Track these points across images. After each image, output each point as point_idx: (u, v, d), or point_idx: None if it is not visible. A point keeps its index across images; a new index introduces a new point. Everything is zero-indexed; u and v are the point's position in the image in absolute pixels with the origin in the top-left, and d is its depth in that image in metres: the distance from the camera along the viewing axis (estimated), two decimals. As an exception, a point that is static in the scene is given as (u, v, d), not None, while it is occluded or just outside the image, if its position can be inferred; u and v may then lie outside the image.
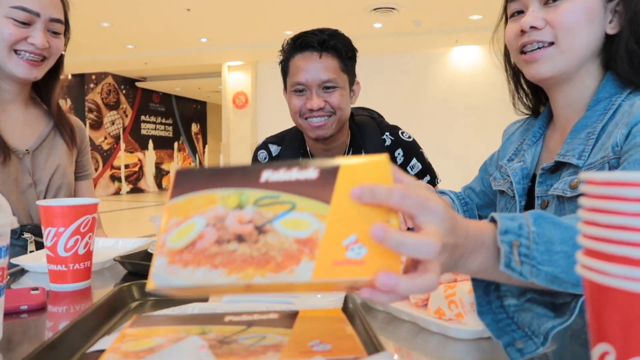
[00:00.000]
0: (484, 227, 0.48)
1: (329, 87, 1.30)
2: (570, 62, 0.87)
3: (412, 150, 1.42)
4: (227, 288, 0.40)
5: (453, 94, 8.24)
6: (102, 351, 0.51)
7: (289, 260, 0.39)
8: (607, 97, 0.87)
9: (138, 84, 12.15)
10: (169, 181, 13.66)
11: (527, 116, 1.11)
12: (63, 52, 1.28)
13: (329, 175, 0.43)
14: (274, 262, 0.39)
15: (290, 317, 0.51)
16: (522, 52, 0.91)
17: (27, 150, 1.23)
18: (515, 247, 0.47)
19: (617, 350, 0.30)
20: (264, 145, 1.52)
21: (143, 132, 12.70)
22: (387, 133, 1.44)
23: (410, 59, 8.35)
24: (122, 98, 11.93)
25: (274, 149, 1.50)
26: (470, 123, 7.91)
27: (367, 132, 1.44)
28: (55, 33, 1.19)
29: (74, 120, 1.39)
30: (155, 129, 13.18)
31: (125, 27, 7.48)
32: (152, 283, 0.40)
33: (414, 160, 1.42)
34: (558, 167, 0.90)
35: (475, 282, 0.51)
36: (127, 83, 11.94)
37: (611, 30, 0.86)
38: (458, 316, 0.58)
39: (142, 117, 12.65)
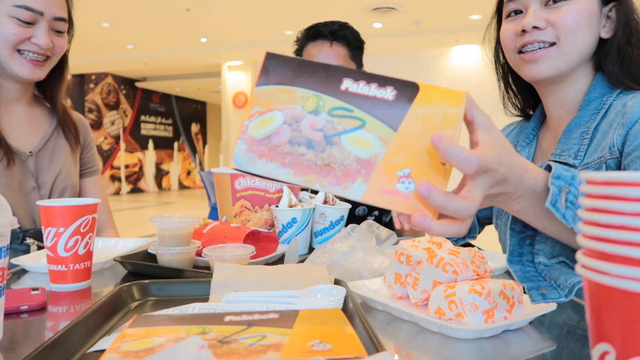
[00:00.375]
0: (540, 175, 0.51)
1: None
2: (568, 63, 0.88)
3: None
4: (290, 184, 0.45)
5: (453, 94, 8.23)
6: (102, 351, 0.51)
7: (346, 177, 0.44)
8: (598, 97, 0.89)
9: (138, 84, 12.15)
10: (169, 181, 13.50)
11: (520, 119, 1.12)
12: (67, 51, 1.26)
13: (405, 101, 0.45)
14: (334, 175, 0.44)
15: (290, 317, 0.51)
16: (520, 52, 0.91)
17: (30, 152, 1.21)
18: (564, 192, 0.50)
19: (617, 350, 0.30)
20: None
21: (143, 132, 12.70)
22: None
23: (410, 59, 8.35)
24: (122, 98, 11.93)
25: None
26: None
27: None
28: (59, 32, 1.18)
29: (76, 116, 1.37)
30: (155, 129, 13.17)
31: (125, 27, 7.49)
32: (233, 164, 0.47)
33: None
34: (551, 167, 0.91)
35: (513, 231, 0.55)
36: (127, 83, 11.95)
37: (605, 34, 0.88)
38: (458, 316, 0.58)
39: (142, 117, 12.65)
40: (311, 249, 1.09)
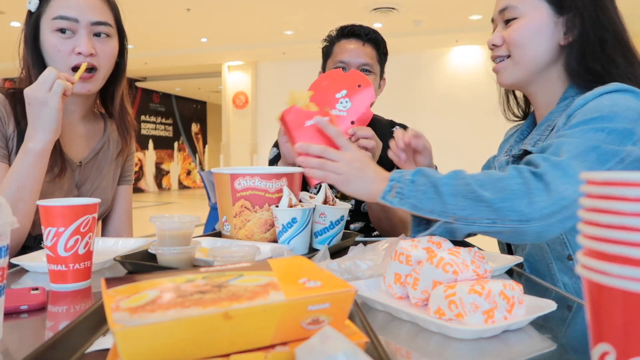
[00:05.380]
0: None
1: (365, 70, 1.49)
2: (525, 71, 1.00)
3: None
4: (205, 319, 0.39)
5: (453, 93, 8.24)
6: (102, 351, 0.51)
7: (258, 294, 0.42)
8: (570, 97, 0.97)
9: (138, 84, 12.15)
10: (169, 181, 13.48)
11: (522, 122, 1.21)
12: (125, 59, 1.27)
13: (261, 263, 0.50)
14: (246, 296, 0.41)
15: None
16: None
17: (80, 162, 1.23)
18: (395, 188, 0.81)
19: (617, 350, 0.30)
20: None
21: (143, 132, 12.70)
22: (397, 126, 1.62)
23: (410, 59, 8.35)
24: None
25: None
26: (470, 122, 7.91)
27: (380, 122, 1.64)
28: (102, 37, 1.16)
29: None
30: (155, 129, 13.18)
31: (126, 27, 7.47)
32: (119, 325, 0.36)
33: None
34: (523, 155, 1.00)
35: (414, 218, 0.85)
36: (127, 83, 11.94)
37: (563, 41, 0.97)
38: (458, 316, 0.58)
39: (142, 117, 12.65)
40: (311, 249, 1.09)
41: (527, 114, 1.17)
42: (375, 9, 6.65)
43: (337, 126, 1.31)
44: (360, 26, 1.53)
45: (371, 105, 1.33)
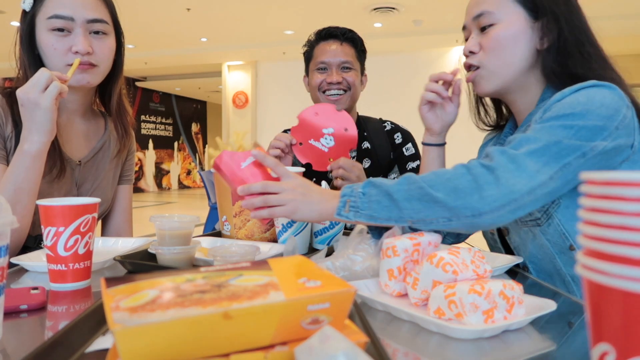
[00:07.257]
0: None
1: (346, 68, 1.57)
2: (504, 78, 0.98)
3: (409, 136, 1.69)
4: (205, 318, 0.39)
5: (453, 94, 8.23)
6: (101, 351, 0.51)
7: (258, 294, 0.42)
8: (548, 98, 0.97)
9: (138, 84, 12.14)
10: (169, 181, 13.43)
11: (494, 132, 1.22)
12: (122, 56, 1.26)
13: (261, 263, 0.49)
14: (246, 296, 0.41)
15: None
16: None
17: (79, 161, 1.23)
18: (347, 202, 0.80)
19: (617, 350, 0.30)
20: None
21: (143, 131, 12.69)
22: (388, 122, 1.71)
23: (410, 59, 8.34)
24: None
25: None
26: (469, 122, 7.91)
27: (370, 120, 1.72)
28: (99, 34, 1.15)
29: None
30: (156, 128, 13.17)
31: (125, 27, 7.46)
32: (118, 324, 0.36)
33: (410, 145, 1.67)
34: None
35: (370, 229, 0.86)
36: (127, 83, 11.77)
37: (541, 46, 0.96)
38: (458, 316, 0.58)
39: (142, 117, 12.64)
40: (311, 249, 1.09)
41: (498, 123, 1.17)
42: (375, 9, 6.65)
43: (317, 157, 1.42)
44: (337, 27, 1.61)
45: (350, 151, 1.44)
